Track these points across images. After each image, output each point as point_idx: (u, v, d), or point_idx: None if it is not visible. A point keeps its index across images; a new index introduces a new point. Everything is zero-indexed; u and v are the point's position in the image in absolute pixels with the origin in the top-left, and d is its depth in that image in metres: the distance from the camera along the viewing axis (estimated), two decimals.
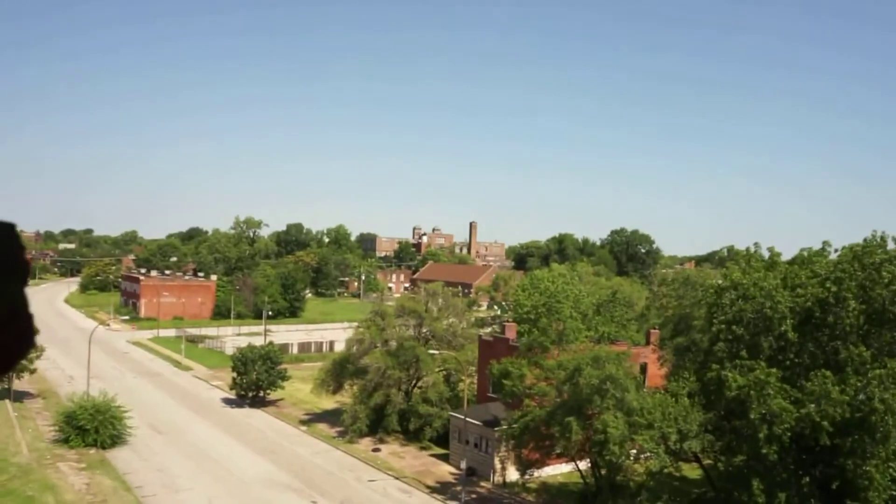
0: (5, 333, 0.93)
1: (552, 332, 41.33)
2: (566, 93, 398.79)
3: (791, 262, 36.22)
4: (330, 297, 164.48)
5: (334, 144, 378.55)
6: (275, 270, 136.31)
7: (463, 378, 50.96)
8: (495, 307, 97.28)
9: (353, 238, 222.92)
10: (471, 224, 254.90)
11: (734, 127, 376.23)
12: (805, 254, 36.42)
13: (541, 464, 38.58)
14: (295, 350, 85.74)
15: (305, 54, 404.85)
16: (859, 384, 28.63)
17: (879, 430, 28.17)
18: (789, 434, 28.87)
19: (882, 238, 33.93)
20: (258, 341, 70.50)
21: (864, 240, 33.87)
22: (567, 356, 37.59)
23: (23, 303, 0.97)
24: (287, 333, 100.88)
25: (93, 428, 46.60)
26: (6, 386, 57.93)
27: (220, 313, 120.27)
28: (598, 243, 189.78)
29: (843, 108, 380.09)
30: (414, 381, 53.08)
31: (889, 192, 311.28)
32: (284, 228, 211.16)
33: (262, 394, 61.47)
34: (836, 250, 35.42)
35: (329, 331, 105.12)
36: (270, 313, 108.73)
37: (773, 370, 29.82)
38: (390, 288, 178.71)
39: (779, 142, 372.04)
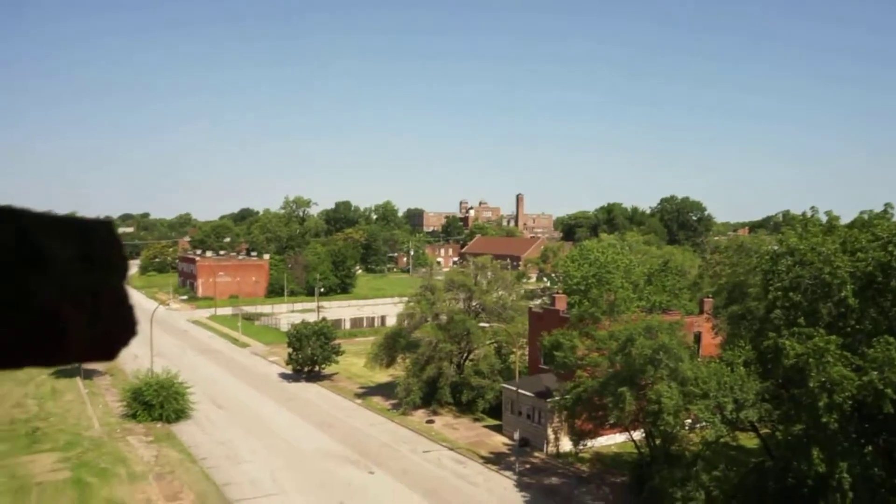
0: (112, 324, 0.99)
1: (603, 303, 41.02)
2: (607, 63, 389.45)
3: (850, 226, 34.96)
4: (380, 273, 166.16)
5: (379, 121, 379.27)
6: (325, 248, 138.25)
7: (514, 350, 51.11)
8: (544, 279, 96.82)
9: (400, 214, 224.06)
10: (517, 196, 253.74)
11: (784, 83, 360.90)
12: (865, 217, 35.08)
13: (594, 434, 38.58)
14: (347, 325, 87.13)
15: (348, 31, 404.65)
16: None
17: None
18: (850, 402, 28.14)
19: None
20: (311, 317, 71.89)
21: None
22: (619, 326, 37.30)
23: (124, 295, 1.02)
24: (339, 309, 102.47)
25: (158, 403, 48.47)
26: (77, 364, 60.53)
27: (274, 291, 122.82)
28: (648, 212, 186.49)
29: None
30: (465, 354, 53.48)
31: None
32: (333, 206, 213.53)
33: (317, 368, 62.83)
34: None
35: (380, 306, 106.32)
36: (322, 290, 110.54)
37: (833, 337, 29.02)
38: (439, 262, 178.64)
39: (835, 99, 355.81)
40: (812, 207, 36.42)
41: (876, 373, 27.70)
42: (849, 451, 28.39)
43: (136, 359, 67.43)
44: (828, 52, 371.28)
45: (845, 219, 36.39)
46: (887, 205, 34.71)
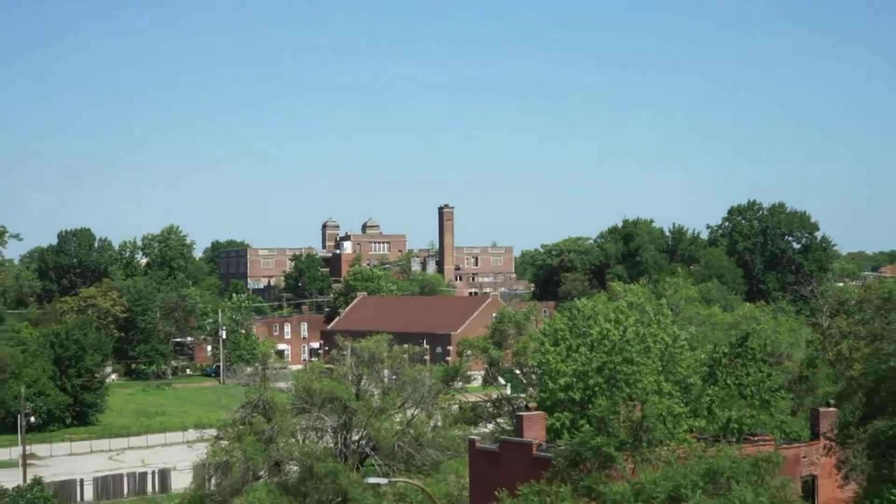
0: None
1: (619, 426, 41.36)
2: None
3: None
4: (157, 380, 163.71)
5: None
6: (38, 331, 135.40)
7: None
8: (500, 379, 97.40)
9: (198, 252, 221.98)
10: (441, 211, 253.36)
11: None
12: None
13: None
14: (89, 494, 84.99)
15: None
16: None
17: None
18: None
19: None
20: (11, 480, 69.56)
21: None
22: (652, 473, 37.67)
23: None
24: (72, 460, 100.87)
25: None
26: None
27: None
28: (705, 235, 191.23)
29: None
30: None
31: None
32: (55, 242, 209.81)
33: None
34: None
35: (158, 449, 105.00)
36: (33, 419, 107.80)
37: None
38: (281, 352, 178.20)
39: None
40: None
41: None
42: None
43: None
44: None
45: None
46: None
